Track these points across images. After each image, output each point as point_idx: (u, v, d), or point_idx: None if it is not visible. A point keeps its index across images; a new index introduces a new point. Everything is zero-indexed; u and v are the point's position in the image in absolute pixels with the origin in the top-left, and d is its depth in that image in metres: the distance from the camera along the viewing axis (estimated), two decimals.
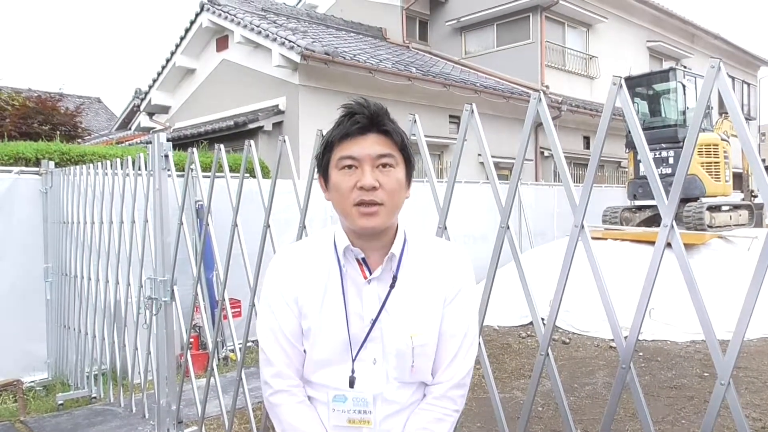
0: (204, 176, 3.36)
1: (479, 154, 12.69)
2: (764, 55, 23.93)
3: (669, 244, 1.94)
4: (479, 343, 2.33)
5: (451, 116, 12.84)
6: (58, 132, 11.29)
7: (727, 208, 10.78)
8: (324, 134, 1.49)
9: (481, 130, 2.14)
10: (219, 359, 6.14)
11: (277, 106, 10.72)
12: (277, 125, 10.64)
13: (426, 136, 2.32)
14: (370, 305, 1.42)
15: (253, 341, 5.99)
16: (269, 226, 2.74)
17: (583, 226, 2.01)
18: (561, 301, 2.12)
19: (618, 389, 1.99)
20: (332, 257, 1.45)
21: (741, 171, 13.01)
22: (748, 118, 11.95)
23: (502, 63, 15.63)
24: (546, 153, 14.48)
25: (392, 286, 1.44)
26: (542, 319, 2.17)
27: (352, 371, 1.41)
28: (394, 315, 1.43)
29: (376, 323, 1.42)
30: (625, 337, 1.96)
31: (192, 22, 12.87)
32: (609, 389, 5.19)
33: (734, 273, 7.89)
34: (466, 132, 2.24)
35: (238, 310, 5.72)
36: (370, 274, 1.44)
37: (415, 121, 2.32)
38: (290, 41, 10.27)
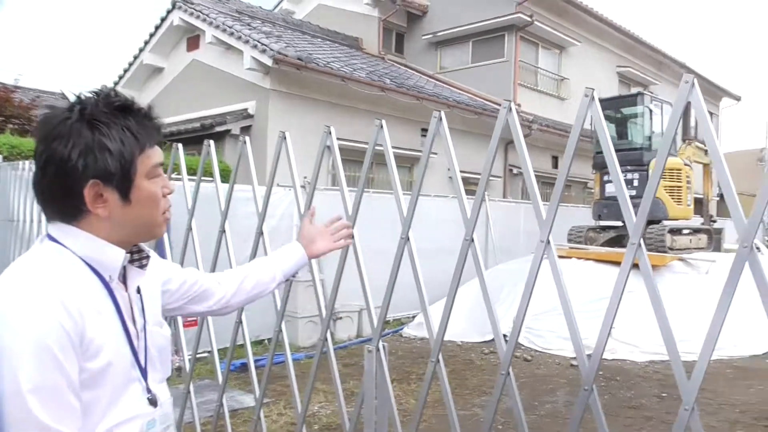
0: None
1: (449, 168, 12.72)
2: (726, 86, 24.70)
3: (635, 265, 1.90)
4: (439, 359, 2.26)
5: (423, 129, 12.83)
6: (9, 125, 10.86)
7: (687, 231, 10.97)
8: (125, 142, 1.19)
9: (448, 138, 2.08)
10: (172, 370, 5.93)
11: (247, 109, 10.55)
12: (246, 129, 10.46)
13: (397, 147, 2.26)
14: (137, 311, 1.29)
15: (207, 352, 5.82)
16: (225, 231, 2.62)
17: (549, 242, 1.95)
18: (524, 319, 2.06)
19: (580, 411, 1.93)
20: (92, 274, 1.19)
21: (701, 196, 13.29)
22: None
23: (476, 79, 15.74)
24: (515, 170, 14.58)
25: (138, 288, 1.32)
26: (504, 336, 2.10)
27: (148, 390, 1.28)
28: (147, 313, 1.32)
29: (145, 328, 1.30)
30: (588, 356, 1.90)
31: (163, 20, 12.63)
32: (569, 408, 5.16)
33: (693, 295, 8.00)
34: (433, 142, 2.18)
35: (193, 319, 5.54)
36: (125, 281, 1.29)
37: (382, 126, 2.25)
38: (263, 44, 10.14)
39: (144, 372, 1.27)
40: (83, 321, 1.11)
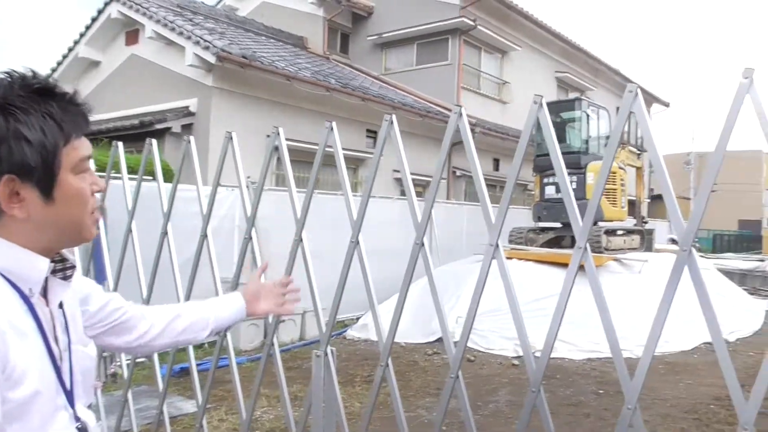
0: (99, 176, 3.09)
1: (394, 170, 12.77)
2: (656, 93, 25.84)
3: (573, 265, 1.95)
4: (387, 363, 2.25)
5: (368, 130, 12.85)
6: None
7: (621, 232, 11.41)
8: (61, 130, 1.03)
9: (400, 142, 2.06)
10: (106, 376, 5.71)
11: (188, 107, 10.28)
12: (187, 127, 10.19)
13: (342, 148, 2.23)
14: (59, 329, 1.12)
15: (146, 357, 5.63)
16: (167, 233, 2.53)
17: (498, 246, 1.98)
18: (473, 322, 2.08)
19: (527, 413, 1.96)
20: (9, 288, 1.02)
21: (634, 198, 13.83)
22: (642, 150, 12.74)
23: (421, 82, 15.87)
24: (458, 172, 14.79)
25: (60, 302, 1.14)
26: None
27: (77, 418, 1.12)
28: (71, 331, 1.16)
29: (69, 348, 1.14)
30: (536, 357, 1.93)
31: (100, 12, 12.16)
32: (512, 407, 5.27)
33: (628, 294, 8.32)
34: (382, 144, 2.16)
35: None
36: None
37: (332, 128, 2.22)
38: (206, 41, 9.90)
39: (71, 398, 1.11)
40: (5, 345, 0.95)
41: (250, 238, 2.46)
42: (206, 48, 9.80)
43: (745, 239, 33.04)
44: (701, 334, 7.81)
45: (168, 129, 9.95)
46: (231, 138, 2.33)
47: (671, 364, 6.86)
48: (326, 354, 2.37)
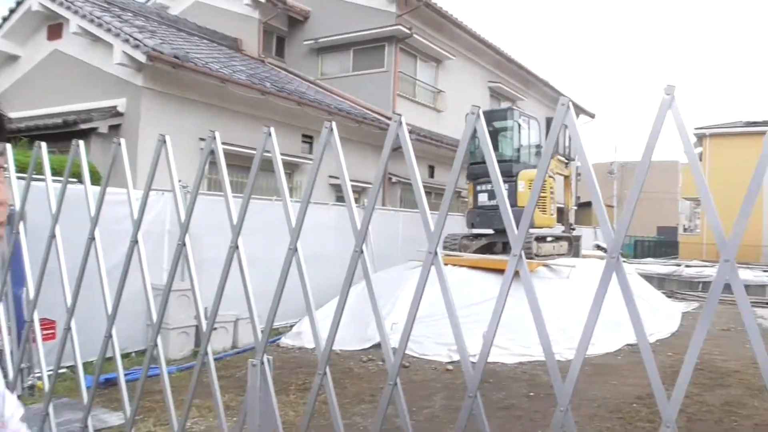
0: (19, 177, 2.92)
1: (330, 176, 12.73)
2: (582, 104, 26.92)
3: (502, 271, 1.99)
4: (326, 371, 2.23)
5: (304, 135, 12.76)
6: None
7: (551, 239, 11.81)
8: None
9: (340, 150, 2.06)
10: (23, 388, 5.39)
11: (116, 107, 9.89)
12: (114, 128, 9.80)
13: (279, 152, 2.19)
14: None
15: (67, 367, 5.36)
16: (94, 239, 2.42)
17: (436, 253, 2.00)
18: (411, 329, 2.09)
19: (465, 418, 1.98)
20: None
21: (562, 205, 14.34)
22: (569, 159, 13.25)
23: (357, 88, 15.91)
24: (394, 179, 14.89)
25: None
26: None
27: None
28: None
29: None
30: (472, 363, 1.96)
31: (19, 3, 11.54)
32: (446, 411, 5.33)
33: (558, 299, 8.60)
34: (316, 150, 2.15)
35: (52, 332, 5.09)
36: None
37: (270, 134, 2.18)
38: (136, 39, 9.57)
39: None
40: None
41: (184, 244, 2.39)
42: (136, 46, 9.47)
43: (663, 245, 34.91)
44: (625, 336, 8.18)
45: (94, 129, 9.54)
46: (164, 141, 2.26)
47: (597, 366, 7.14)
48: (263, 363, 2.33)
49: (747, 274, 15.84)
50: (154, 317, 2.51)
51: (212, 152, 2.30)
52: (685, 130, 1.80)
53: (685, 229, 38.83)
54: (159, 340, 2.57)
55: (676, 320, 10.82)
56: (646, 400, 5.73)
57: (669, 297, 14.45)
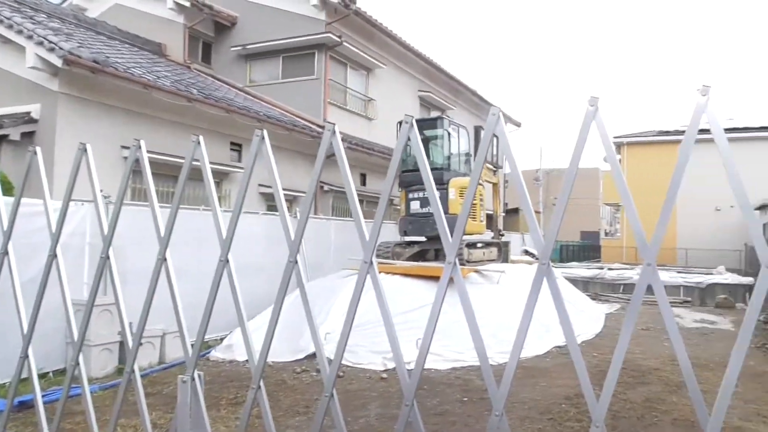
0: None
1: (260, 184, 12.52)
2: (509, 113, 27.74)
3: (437, 278, 2.01)
4: (260, 385, 2.17)
5: (232, 143, 12.50)
6: None
7: (481, 245, 12.07)
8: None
9: (272, 158, 2.02)
10: None
11: (29, 113, 9.35)
12: (28, 135, 9.26)
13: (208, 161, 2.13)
14: None
15: None
16: (8, 253, 2.27)
17: (372, 263, 1.99)
18: (347, 340, 2.07)
19: (402, 426, 1.98)
20: None
21: (491, 212, 14.70)
22: (497, 167, 13.63)
23: (287, 95, 15.75)
24: (326, 187, 14.82)
25: None
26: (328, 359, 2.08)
27: None
28: None
29: None
30: (409, 372, 1.96)
31: None
32: (381, 420, 5.31)
33: (488, 303, 8.77)
34: (248, 158, 2.11)
35: None
36: None
37: (199, 143, 2.12)
38: (51, 42, 9.09)
39: None
40: None
41: (107, 257, 2.27)
42: (51, 50, 8.99)
43: (586, 249, 36.39)
44: (554, 338, 8.45)
45: (5, 137, 8.98)
46: (85, 150, 2.15)
47: (528, 369, 7.32)
48: (193, 379, 2.24)
49: (664, 276, 16.74)
50: (75, 334, 2.38)
51: (137, 161, 2.21)
52: (608, 140, 1.88)
53: (606, 234, 40.66)
54: (80, 358, 2.44)
55: (600, 322, 11.28)
56: (575, 400, 5.92)
57: (593, 299, 15.07)
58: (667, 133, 26.58)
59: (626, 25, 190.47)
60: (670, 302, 13.66)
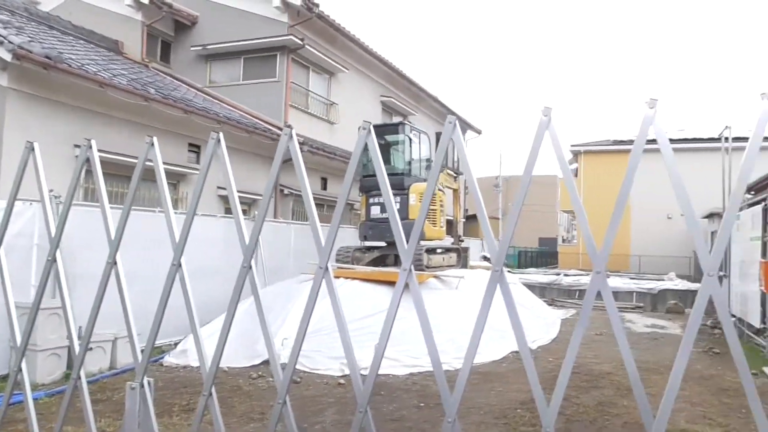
0: None
1: (219, 186, 12.34)
2: (470, 120, 28.10)
3: (393, 283, 2.01)
4: (211, 392, 2.13)
5: (190, 144, 12.29)
6: None
7: (440, 250, 12.15)
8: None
9: (227, 160, 1.99)
10: None
11: None
12: None
13: (162, 163, 2.09)
14: None
15: None
16: None
17: (327, 268, 1.98)
18: (301, 345, 2.05)
19: None
20: None
21: (451, 218, 14.83)
22: (458, 173, 13.76)
23: (248, 97, 15.59)
24: (286, 191, 14.71)
25: None
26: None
27: None
28: None
29: None
30: (361, 374, 1.95)
31: None
32: (337, 426, 5.29)
33: (447, 309, 8.83)
34: (210, 163, 2.07)
35: None
36: None
37: (153, 144, 2.07)
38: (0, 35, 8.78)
39: None
40: None
41: (54, 260, 2.20)
42: (0, 43, 8.70)
43: (544, 255, 37.07)
44: (510, 344, 8.55)
45: None
46: (33, 149, 2.08)
47: (484, 374, 7.39)
48: (142, 385, 2.19)
49: (617, 282, 17.17)
50: (18, 339, 2.29)
51: (88, 160, 2.15)
52: (560, 150, 1.92)
53: (563, 240, 41.47)
54: (23, 364, 2.35)
55: (556, 327, 11.48)
56: (529, 404, 6.01)
57: (550, 305, 15.34)
58: (621, 142, 27.32)
59: (588, 35, 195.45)
60: (623, 308, 13.95)
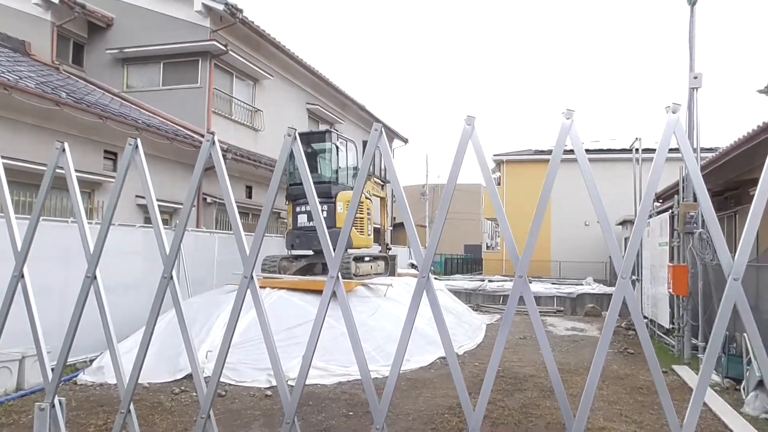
0: None
1: (137, 195, 11.86)
2: (397, 129, 28.44)
3: (320, 292, 2.00)
4: (129, 409, 2.03)
5: (106, 152, 11.75)
6: None
7: (368, 258, 12.18)
8: None
9: (146, 168, 1.91)
10: None
11: None
12: None
13: (76, 171, 1.98)
14: None
15: None
16: None
17: (252, 278, 1.94)
18: (226, 358, 1.99)
19: None
20: None
21: (379, 226, 14.91)
22: (385, 181, 13.87)
23: (169, 103, 15.10)
24: (209, 199, 14.33)
25: None
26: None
27: None
28: None
29: None
30: (290, 388, 1.92)
31: None
32: None
33: (376, 316, 8.85)
34: (127, 171, 1.98)
35: None
36: None
37: (64, 150, 1.96)
38: None
39: None
40: None
41: None
42: None
43: (470, 262, 37.89)
44: (438, 350, 8.66)
45: None
46: None
47: (412, 381, 7.45)
48: (53, 405, 2.06)
49: (538, 287, 17.78)
50: None
51: None
52: (483, 158, 1.96)
53: (488, 247, 42.56)
54: None
55: (481, 332, 11.74)
56: (456, 410, 6.10)
57: (475, 310, 15.69)
58: (542, 152, 28.37)
59: (512, 47, 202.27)
60: (545, 312, 14.44)
